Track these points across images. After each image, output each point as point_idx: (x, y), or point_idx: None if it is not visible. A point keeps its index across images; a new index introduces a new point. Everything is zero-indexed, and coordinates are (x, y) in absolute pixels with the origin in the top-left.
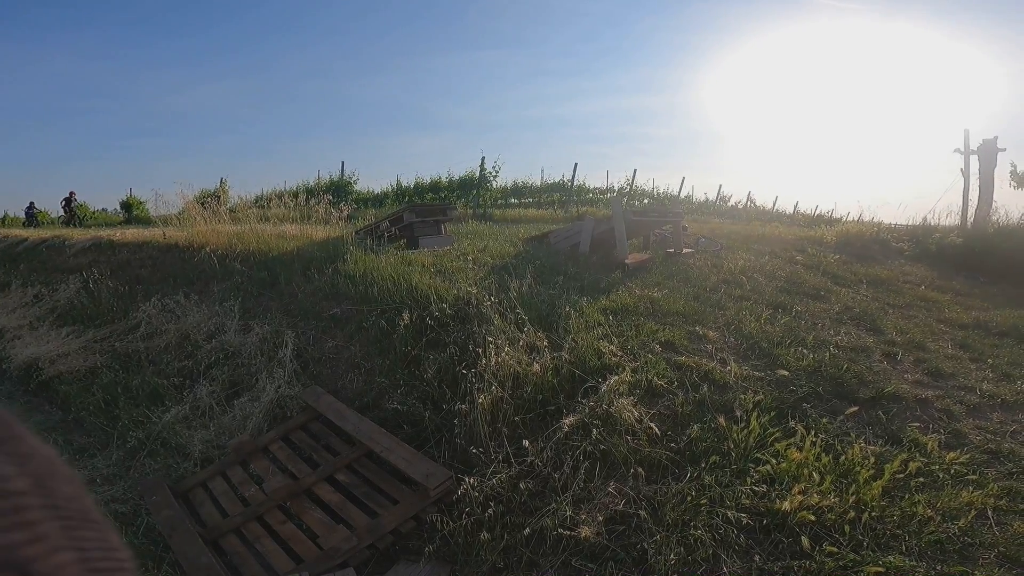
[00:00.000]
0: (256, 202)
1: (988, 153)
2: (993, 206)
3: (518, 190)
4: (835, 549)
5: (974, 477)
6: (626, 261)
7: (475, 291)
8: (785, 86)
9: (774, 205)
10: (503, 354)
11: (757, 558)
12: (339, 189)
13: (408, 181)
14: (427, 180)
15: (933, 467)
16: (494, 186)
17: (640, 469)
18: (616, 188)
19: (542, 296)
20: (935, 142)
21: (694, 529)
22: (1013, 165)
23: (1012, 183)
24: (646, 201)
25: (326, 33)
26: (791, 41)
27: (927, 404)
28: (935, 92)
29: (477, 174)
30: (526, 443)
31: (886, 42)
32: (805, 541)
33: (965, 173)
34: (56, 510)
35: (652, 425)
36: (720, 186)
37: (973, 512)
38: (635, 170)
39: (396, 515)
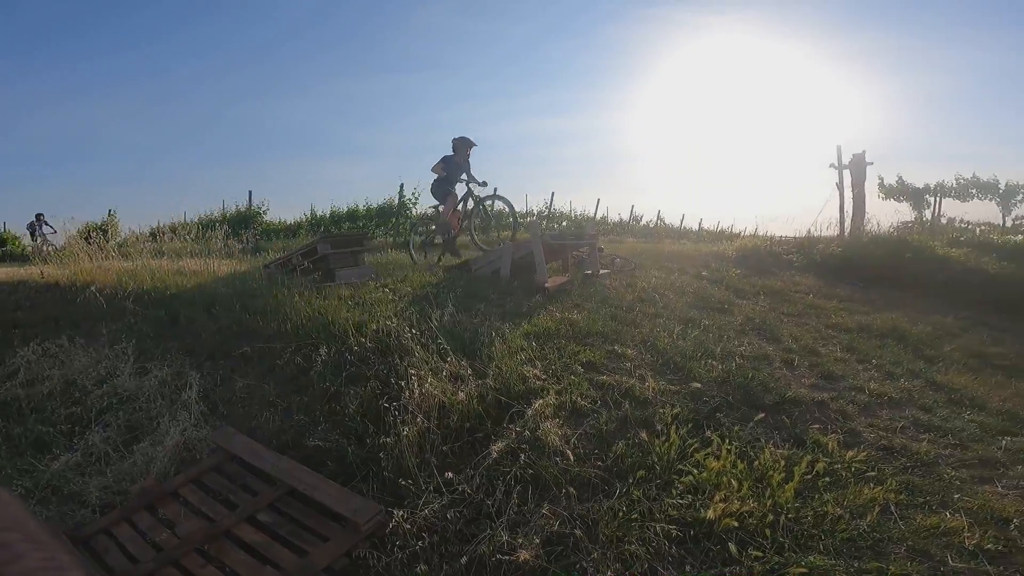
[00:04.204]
0: (151, 236)
1: (858, 167)
2: (866, 216)
3: None
4: (760, 553)
5: (873, 473)
6: (546, 285)
7: (395, 323)
8: (689, 106)
9: (682, 223)
10: (427, 385)
11: (689, 567)
12: (246, 220)
13: (323, 210)
14: (344, 209)
15: (836, 466)
16: (415, 213)
17: (571, 489)
18: (535, 211)
19: (464, 324)
20: (818, 157)
21: (628, 544)
22: (880, 178)
23: (880, 194)
24: (564, 223)
25: (242, 59)
26: (692, 62)
27: (824, 406)
28: (814, 109)
29: (396, 201)
30: (449, 474)
31: (770, 62)
32: (732, 547)
33: (840, 186)
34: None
35: (579, 445)
36: (632, 206)
37: (877, 508)
38: (553, 193)
39: (327, 552)
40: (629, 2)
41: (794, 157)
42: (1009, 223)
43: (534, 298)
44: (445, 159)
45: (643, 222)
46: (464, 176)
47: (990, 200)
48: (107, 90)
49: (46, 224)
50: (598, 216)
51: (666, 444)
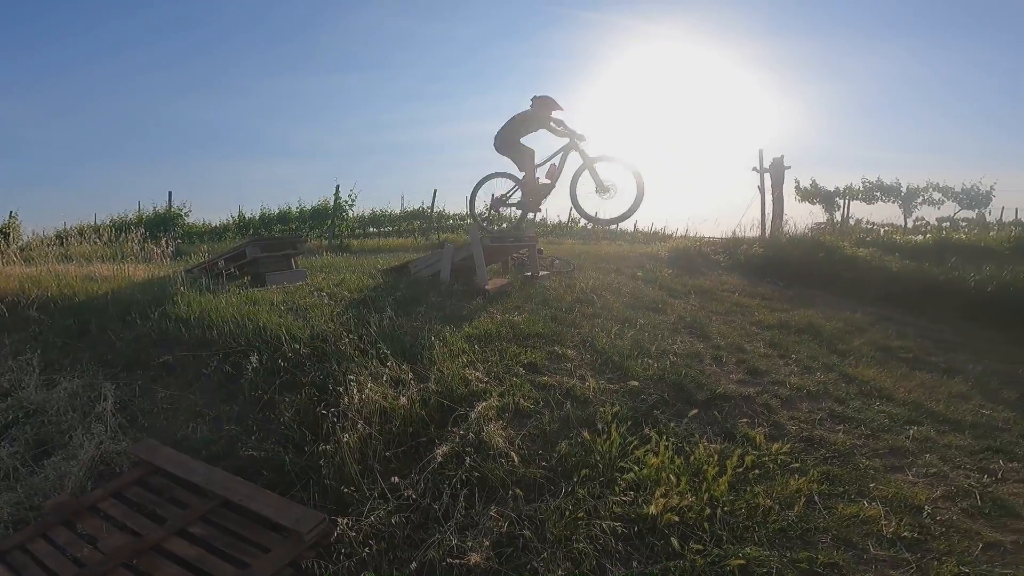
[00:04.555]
0: (57, 239)
1: (777, 171)
2: (785, 218)
3: (377, 219)
4: (701, 546)
5: (797, 465)
6: (487, 287)
7: (332, 328)
8: (628, 109)
9: (618, 224)
10: (367, 390)
11: (636, 563)
12: (166, 222)
13: (253, 212)
14: (275, 211)
15: (764, 459)
16: (351, 215)
17: (518, 490)
18: (475, 213)
19: (405, 328)
20: (744, 159)
21: (577, 542)
22: (797, 181)
23: (797, 196)
24: (505, 225)
25: (175, 56)
26: (633, 67)
27: (751, 400)
28: (740, 113)
29: (332, 203)
30: (395, 479)
31: (703, 68)
32: (675, 542)
33: (761, 189)
34: None
35: (524, 446)
36: (571, 208)
37: (803, 499)
38: (493, 195)
39: (270, 563)
40: (574, 7)
41: (723, 159)
42: (910, 224)
43: (475, 300)
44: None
45: (581, 224)
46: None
47: (893, 202)
48: (24, 89)
49: None
50: (538, 219)
51: (607, 442)
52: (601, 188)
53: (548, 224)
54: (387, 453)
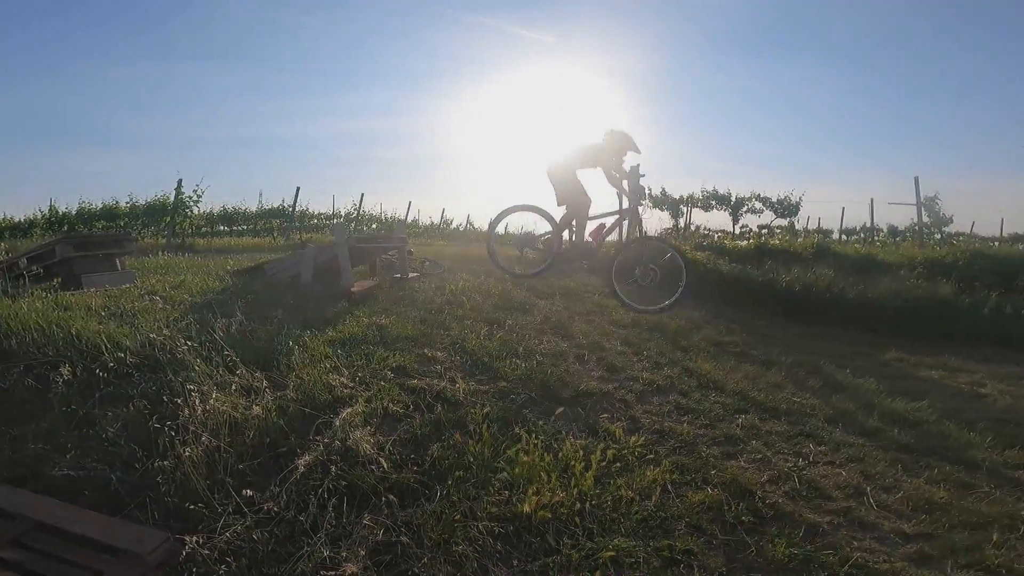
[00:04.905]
0: None
1: (634, 178)
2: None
3: (229, 216)
4: (574, 541)
5: (652, 456)
6: (352, 289)
7: (167, 334)
8: (504, 113)
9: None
10: (212, 401)
11: (516, 562)
12: None
13: (69, 207)
14: (98, 206)
15: (624, 451)
16: (196, 212)
17: (391, 496)
18: (343, 213)
19: (258, 333)
20: None
21: (456, 545)
22: (650, 189)
23: (650, 204)
24: (374, 226)
25: None
26: (514, 74)
27: (610, 396)
28: (600, 121)
29: (172, 198)
30: (249, 492)
31: (576, 80)
32: (551, 538)
33: (619, 196)
34: None
35: (395, 451)
36: (444, 209)
37: (659, 488)
38: (362, 194)
39: None
40: (460, 9)
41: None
42: (738, 230)
43: (339, 304)
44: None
45: (453, 225)
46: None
47: (724, 210)
48: None
49: None
50: (410, 219)
51: (480, 443)
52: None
53: (420, 225)
54: (240, 466)
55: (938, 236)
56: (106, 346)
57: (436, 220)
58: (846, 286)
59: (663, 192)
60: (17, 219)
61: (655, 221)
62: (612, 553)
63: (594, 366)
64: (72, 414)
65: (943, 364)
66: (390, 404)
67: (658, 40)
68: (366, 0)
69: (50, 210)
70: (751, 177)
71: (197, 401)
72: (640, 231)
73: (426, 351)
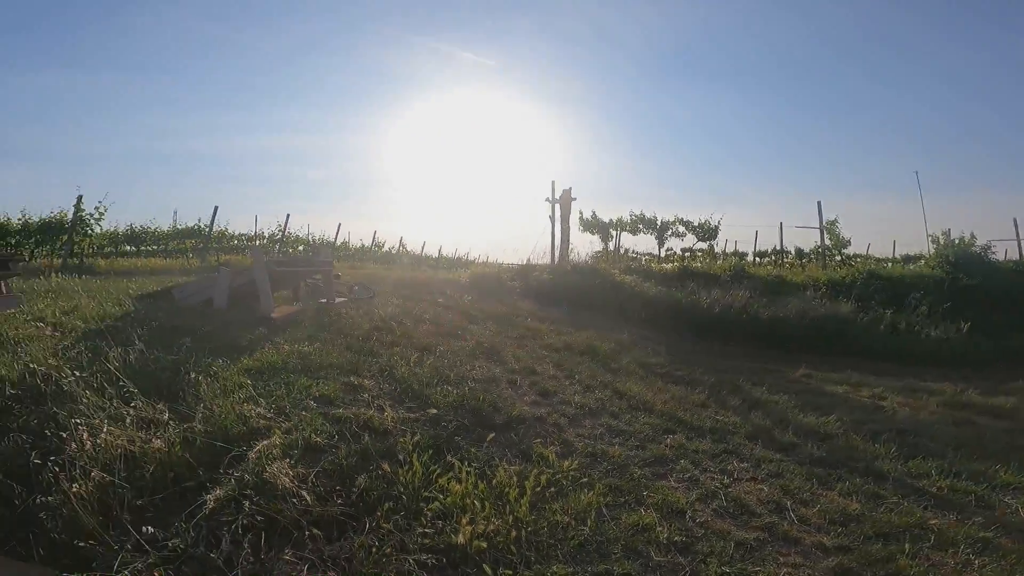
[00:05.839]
0: None
1: (565, 202)
2: (571, 247)
3: (136, 236)
4: (511, 571)
5: (586, 479)
6: (272, 315)
7: (53, 364)
8: (440, 137)
9: (423, 250)
10: (103, 435)
11: None
12: None
13: None
14: None
15: (558, 476)
16: (98, 231)
17: (315, 530)
18: (267, 234)
19: (161, 363)
20: (541, 191)
21: None
22: (581, 212)
23: (580, 227)
24: (300, 248)
25: None
26: (450, 95)
27: (543, 421)
28: (537, 147)
29: (71, 216)
30: (150, 529)
31: (511, 100)
32: (488, 569)
33: (552, 219)
34: None
35: (318, 483)
36: (375, 232)
37: (593, 512)
38: (288, 215)
39: None
40: (401, 29)
41: (524, 189)
42: (663, 253)
43: (257, 330)
44: None
45: (385, 248)
46: None
47: (650, 234)
48: None
49: None
50: (339, 241)
51: (410, 473)
52: None
53: (350, 247)
54: (139, 502)
55: (838, 258)
56: None
57: (367, 242)
58: (760, 306)
59: (594, 215)
60: None
61: (586, 245)
62: None
63: (527, 391)
64: None
65: (847, 379)
66: (312, 435)
67: (592, 67)
68: (300, 17)
69: None
70: (675, 202)
71: (86, 435)
72: None
73: (353, 379)
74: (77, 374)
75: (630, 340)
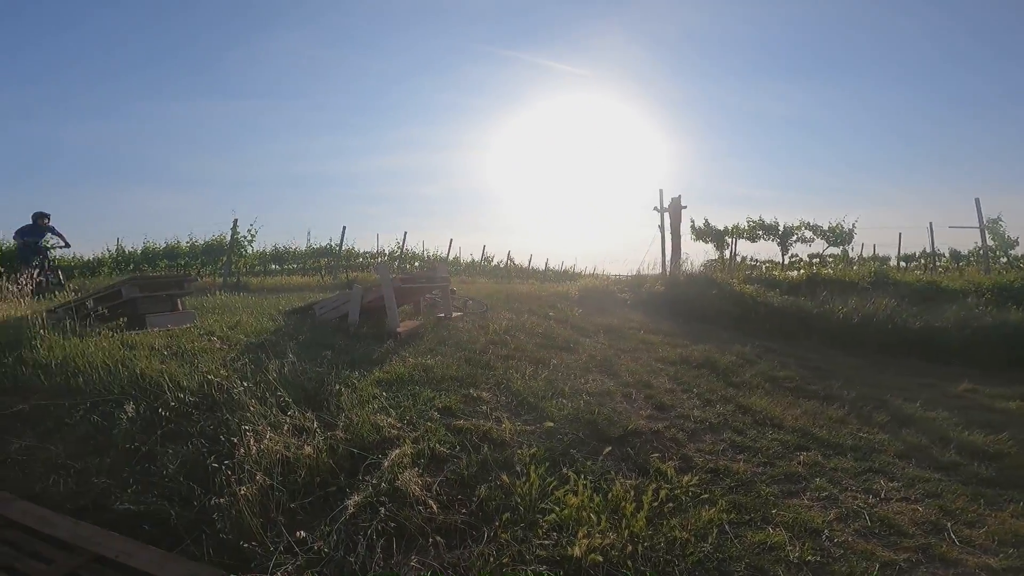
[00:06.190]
0: None
1: (675, 211)
2: (683, 256)
3: (280, 256)
4: None
5: (707, 496)
6: (398, 330)
7: (225, 374)
8: (543, 149)
9: (530, 263)
10: (266, 440)
11: None
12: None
13: (134, 245)
14: (161, 244)
15: (676, 491)
16: (250, 251)
17: (438, 538)
18: (387, 252)
19: (309, 374)
20: (642, 198)
21: None
22: (692, 220)
23: (692, 235)
24: (417, 264)
25: (39, 71)
26: (550, 107)
27: (660, 435)
28: (638, 156)
29: (229, 238)
30: (301, 533)
31: (606, 110)
32: None
33: (662, 228)
34: None
35: (441, 492)
36: (484, 246)
37: (715, 529)
38: (405, 232)
39: None
40: (490, 44)
41: (626, 197)
42: (787, 260)
43: (385, 344)
44: None
45: (494, 262)
46: None
47: (772, 240)
48: None
49: (51, 231)
50: (451, 257)
51: (527, 484)
52: None
53: (461, 262)
54: (292, 505)
55: (1004, 260)
56: (168, 385)
57: (477, 257)
58: (909, 315)
59: (707, 223)
60: (87, 258)
61: (699, 253)
62: None
63: (642, 404)
64: (135, 451)
65: (1020, 394)
66: (437, 445)
67: (691, 69)
68: (396, 37)
69: (117, 250)
70: (799, 205)
71: (252, 440)
72: None
73: (471, 391)
74: (244, 384)
75: (753, 353)
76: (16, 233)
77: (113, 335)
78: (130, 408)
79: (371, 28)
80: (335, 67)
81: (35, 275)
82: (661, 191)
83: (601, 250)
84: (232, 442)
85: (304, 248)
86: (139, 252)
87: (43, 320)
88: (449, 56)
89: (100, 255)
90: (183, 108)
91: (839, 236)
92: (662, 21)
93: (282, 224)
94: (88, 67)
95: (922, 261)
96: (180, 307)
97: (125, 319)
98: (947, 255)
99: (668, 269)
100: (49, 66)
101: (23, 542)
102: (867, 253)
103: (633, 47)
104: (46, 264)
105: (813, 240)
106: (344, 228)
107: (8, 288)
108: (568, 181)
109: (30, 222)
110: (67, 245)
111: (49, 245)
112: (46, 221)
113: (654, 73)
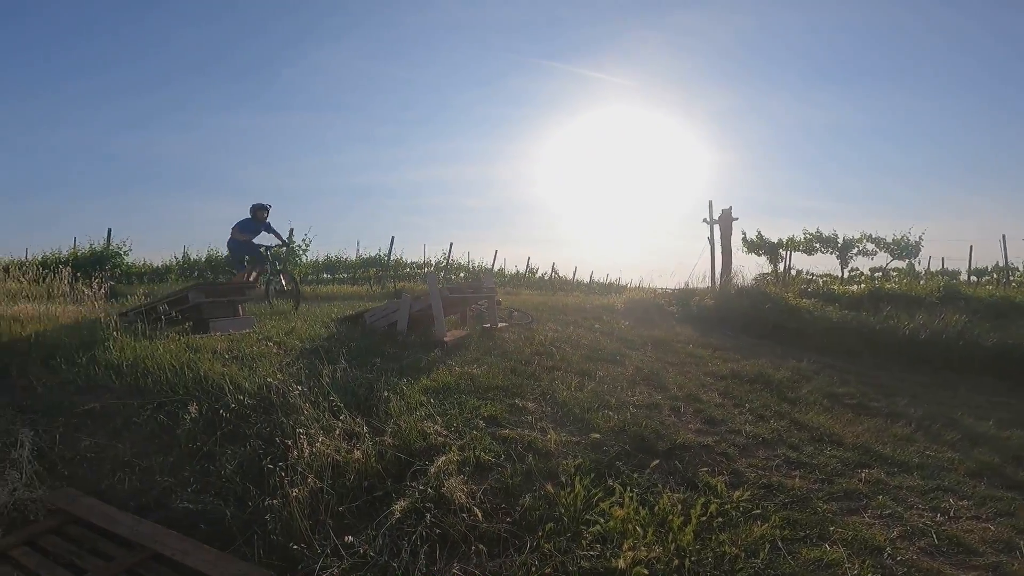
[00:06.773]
0: None
1: (726, 222)
2: (733, 269)
3: (332, 265)
4: None
5: (759, 511)
6: (445, 339)
7: (281, 378)
8: (585, 160)
9: (574, 275)
10: (318, 444)
11: None
12: (103, 260)
13: (199, 253)
14: (223, 253)
15: (726, 506)
16: (305, 260)
17: (481, 546)
18: (433, 262)
19: (359, 380)
20: (687, 210)
21: None
22: (744, 232)
23: (744, 248)
24: (462, 275)
25: (128, 86)
26: (591, 118)
27: (710, 449)
28: (686, 168)
29: (285, 248)
30: (349, 538)
31: (651, 123)
32: None
33: (711, 241)
34: None
35: (485, 500)
36: (528, 258)
37: (767, 545)
38: (451, 243)
39: None
40: (531, 55)
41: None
42: (846, 274)
43: (432, 352)
44: None
45: (539, 274)
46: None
47: (831, 253)
48: None
49: (267, 228)
50: (496, 268)
51: (571, 495)
52: None
53: (506, 273)
54: (340, 508)
55: None
56: (229, 388)
57: (521, 269)
58: (981, 332)
59: (759, 235)
60: (156, 264)
61: (751, 266)
62: None
63: (691, 418)
64: (196, 450)
65: None
66: (482, 453)
67: (737, 80)
68: (444, 49)
69: (184, 257)
70: (858, 217)
71: (305, 443)
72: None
73: (517, 401)
74: (299, 388)
75: (810, 368)
76: (234, 227)
77: (179, 338)
78: (193, 409)
79: (404, 41)
80: (373, 78)
81: (249, 277)
82: (711, 202)
83: (646, 262)
84: (286, 444)
85: (354, 258)
86: (203, 260)
87: (116, 322)
88: (487, 66)
89: (168, 262)
90: (235, 120)
91: (904, 249)
92: (705, 34)
93: (334, 234)
94: (160, 86)
95: (994, 276)
96: (242, 312)
97: (191, 323)
98: (1021, 269)
99: (718, 282)
100: (125, 85)
101: (86, 538)
102: (935, 267)
103: (677, 59)
104: (267, 266)
105: (876, 253)
106: (392, 238)
107: (83, 291)
108: (612, 193)
109: (247, 216)
110: (284, 244)
111: (267, 245)
112: (264, 215)
113: (699, 84)
